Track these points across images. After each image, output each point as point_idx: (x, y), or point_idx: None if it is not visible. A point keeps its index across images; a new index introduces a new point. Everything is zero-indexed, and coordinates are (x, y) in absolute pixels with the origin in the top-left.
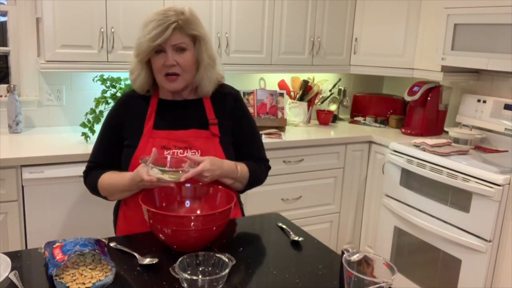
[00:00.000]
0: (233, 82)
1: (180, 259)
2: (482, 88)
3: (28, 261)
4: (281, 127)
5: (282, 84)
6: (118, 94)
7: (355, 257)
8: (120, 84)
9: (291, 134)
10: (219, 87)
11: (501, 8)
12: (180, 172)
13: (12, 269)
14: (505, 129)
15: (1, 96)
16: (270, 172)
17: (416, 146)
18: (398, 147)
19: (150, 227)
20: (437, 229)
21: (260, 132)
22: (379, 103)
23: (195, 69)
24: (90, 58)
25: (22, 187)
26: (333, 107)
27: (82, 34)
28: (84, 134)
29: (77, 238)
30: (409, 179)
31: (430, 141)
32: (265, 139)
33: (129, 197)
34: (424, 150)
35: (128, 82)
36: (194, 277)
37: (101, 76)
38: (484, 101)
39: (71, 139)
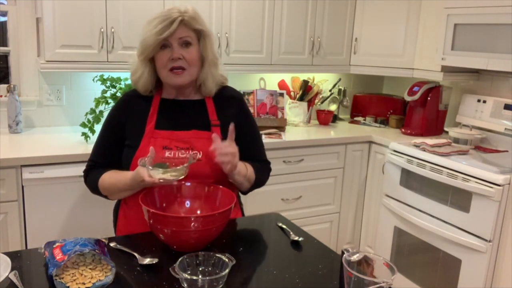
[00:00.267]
0: (233, 82)
1: (180, 259)
2: (482, 88)
3: (28, 261)
4: (281, 127)
5: (282, 84)
6: (118, 94)
7: (355, 257)
8: (120, 84)
9: (291, 134)
10: (223, 89)
11: (501, 8)
12: (181, 167)
13: (12, 269)
14: (505, 129)
15: (1, 96)
16: (270, 172)
17: (416, 146)
18: (398, 147)
19: (150, 227)
20: (437, 229)
21: (260, 132)
22: (379, 103)
23: (200, 65)
24: (90, 58)
25: (22, 187)
26: (333, 107)
27: (82, 34)
28: (84, 134)
29: (77, 238)
30: (409, 179)
31: (430, 141)
32: (265, 139)
33: (129, 197)
34: (424, 150)
35: (128, 82)
36: (194, 277)
37: (101, 76)
38: (484, 101)
39: (71, 139)
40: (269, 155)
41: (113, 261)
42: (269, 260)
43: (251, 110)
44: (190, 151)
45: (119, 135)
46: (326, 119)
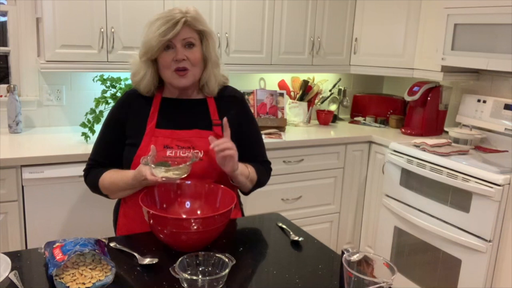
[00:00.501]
0: (233, 82)
1: (180, 259)
2: (482, 88)
3: (28, 261)
4: (281, 127)
5: (282, 84)
6: (118, 94)
7: (355, 257)
8: (120, 84)
9: (291, 134)
10: (224, 89)
11: (501, 8)
12: (183, 166)
13: (12, 269)
14: (505, 129)
15: (1, 96)
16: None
17: (416, 146)
18: (398, 147)
19: (150, 228)
20: (437, 229)
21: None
22: (379, 103)
23: (203, 65)
24: (90, 58)
25: (22, 187)
26: (333, 107)
27: (82, 34)
28: (84, 134)
29: (77, 238)
30: (409, 179)
31: (430, 141)
32: (265, 139)
33: (129, 195)
34: (424, 150)
35: (128, 82)
36: (194, 277)
37: (101, 76)
38: (484, 101)
39: (71, 139)
40: (269, 155)
41: (113, 261)
42: (269, 260)
43: (251, 110)
44: (191, 150)
45: (120, 134)
46: (326, 119)
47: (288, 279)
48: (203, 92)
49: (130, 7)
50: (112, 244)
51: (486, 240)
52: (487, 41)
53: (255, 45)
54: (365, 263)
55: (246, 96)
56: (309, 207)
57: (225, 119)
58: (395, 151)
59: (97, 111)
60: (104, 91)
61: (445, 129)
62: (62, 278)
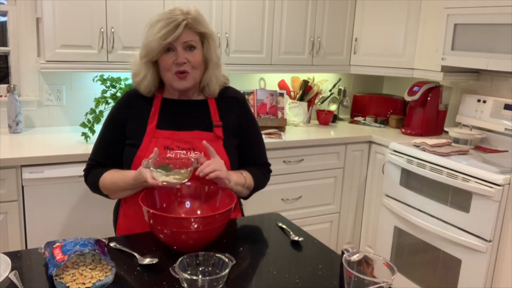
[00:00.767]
0: (233, 82)
1: (180, 259)
2: (482, 88)
3: (28, 261)
4: (281, 127)
5: (282, 84)
6: (118, 94)
7: (355, 257)
8: (120, 84)
9: (291, 134)
10: (225, 90)
11: (501, 8)
12: (184, 171)
13: (12, 269)
14: (505, 129)
15: (1, 96)
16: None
17: (416, 146)
18: (398, 147)
19: (150, 227)
20: (437, 229)
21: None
22: (379, 103)
23: (204, 67)
24: (90, 58)
25: (22, 187)
26: (333, 107)
27: (82, 34)
28: (84, 134)
29: (77, 238)
30: (409, 179)
31: (430, 141)
32: (265, 139)
33: (129, 195)
34: (424, 150)
35: (128, 82)
36: (194, 277)
37: (101, 76)
38: (484, 101)
39: (71, 139)
40: (269, 155)
41: (113, 261)
42: (269, 260)
43: (251, 110)
44: (192, 152)
45: (120, 134)
46: (326, 119)
47: (288, 279)
48: (204, 93)
49: (130, 7)
50: (112, 244)
51: (486, 240)
52: (487, 41)
53: (255, 45)
54: (365, 263)
55: (246, 96)
56: (309, 207)
57: (204, 142)
58: (395, 151)
59: (97, 111)
60: (104, 91)
61: (445, 129)
62: (62, 278)
